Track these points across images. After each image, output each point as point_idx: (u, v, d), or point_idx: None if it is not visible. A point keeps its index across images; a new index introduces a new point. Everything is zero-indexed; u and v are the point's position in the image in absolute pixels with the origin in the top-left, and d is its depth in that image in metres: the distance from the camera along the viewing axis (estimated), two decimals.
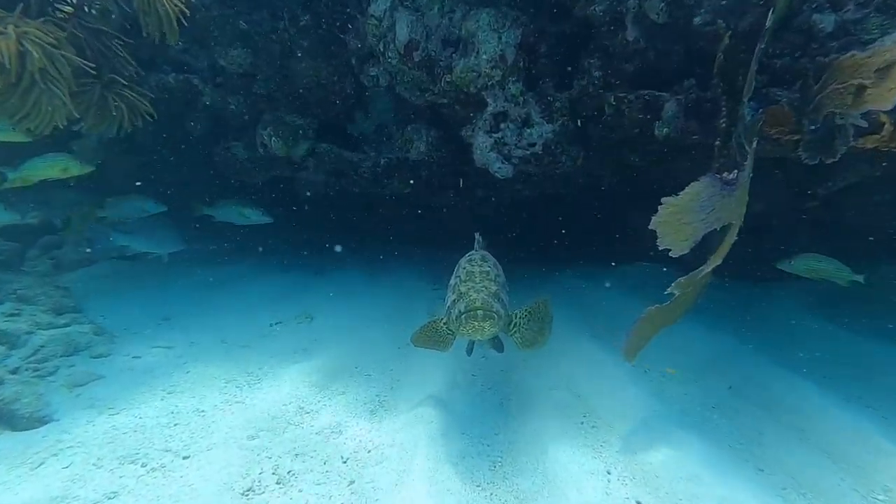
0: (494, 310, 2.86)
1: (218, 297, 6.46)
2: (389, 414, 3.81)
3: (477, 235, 4.13)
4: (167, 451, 3.39)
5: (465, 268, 3.21)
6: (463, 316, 2.87)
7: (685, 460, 2.99)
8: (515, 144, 4.60)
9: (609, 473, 3.04)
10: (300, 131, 5.84)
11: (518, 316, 3.35)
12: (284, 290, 7.09)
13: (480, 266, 3.19)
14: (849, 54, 3.03)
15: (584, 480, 2.99)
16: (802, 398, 3.66)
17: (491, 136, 4.66)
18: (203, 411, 3.87)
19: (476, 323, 2.85)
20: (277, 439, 3.56)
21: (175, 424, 3.68)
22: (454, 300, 3.04)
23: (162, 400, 4.02)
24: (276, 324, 5.74)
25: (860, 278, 4.54)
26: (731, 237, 2.99)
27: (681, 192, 3.08)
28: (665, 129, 3.95)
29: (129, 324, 5.41)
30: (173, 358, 4.79)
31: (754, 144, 3.03)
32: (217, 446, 3.44)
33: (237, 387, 4.25)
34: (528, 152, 4.61)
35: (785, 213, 5.53)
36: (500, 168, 4.68)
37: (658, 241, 3.08)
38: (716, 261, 3.07)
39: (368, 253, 9.21)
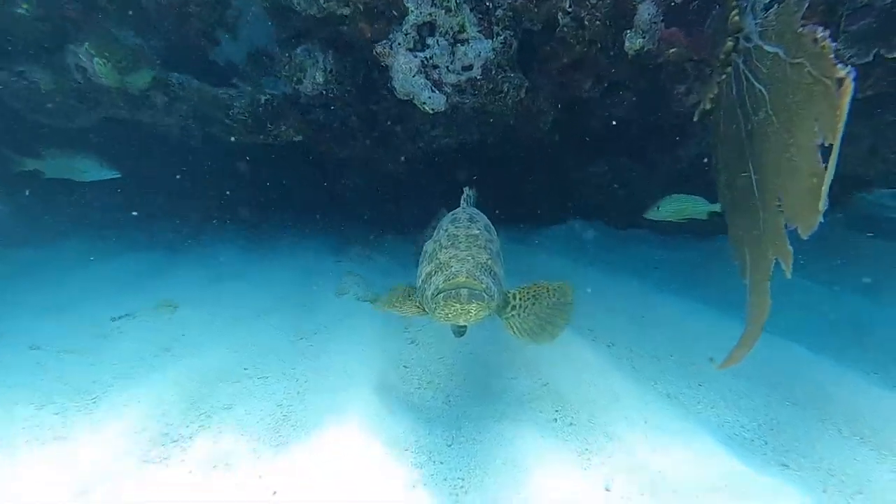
0: (484, 286, 2.19)
1: (30, 288, 4.93)
2: (299, 432, 2.87)
3: (466, 189, 3.35)
4: None
5: (447, 230, 2.54)
6: (441, 295, 2.19)
7: (705, 462, 2.46)
8: (447, 67, 3.77)
9: (608, 490, 2.41)
10: (136, 51, 4.44)
11: (518, 297, 2.66)
12: (133, 275, 5.67)
13: (467, 228, 2.54)
14: None
15: None
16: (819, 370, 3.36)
17: (416, 56, 3.76)
18: None
19: (458, 305, 2.18)
20: (123, 496, 2.47)
21: None
22: (429, 272, 2.34)
23: None
24: (120, 318, 4.42)
25: (716, 207, 4.58)
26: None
27: None
28: (639, 40, 3.37)
29: None
30: None
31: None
32: None
33: (55, 414, 3.01)
34: (464, 77, 3.80)
35: None
36: (429, 98, 3.82)
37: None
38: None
39: (250, 223, 7.90)
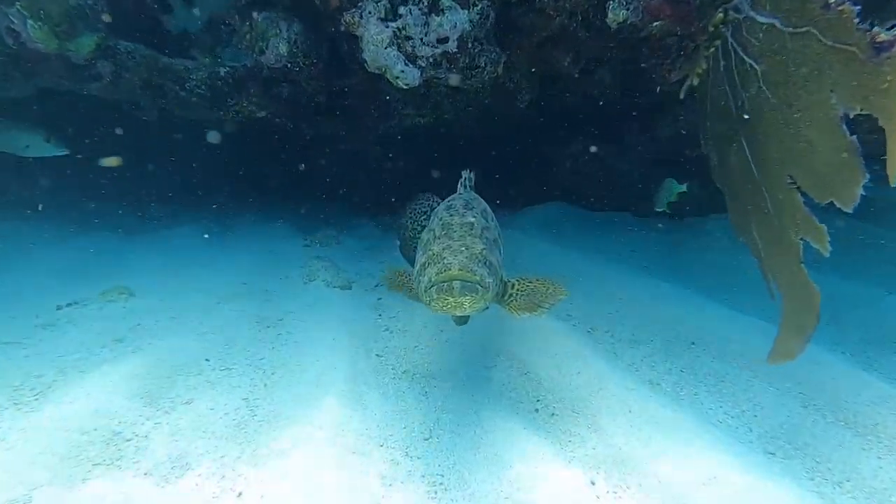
0: (478, 279, 2.16)
1: None
2: (267, 428, 2.71)
3: (465, 173, 3.22)
4: None
5: (441, 218, 2.51)
6: (433, 288, 2.18)
7: (692, 454, 2.42)
8: (421, 39, 3.58)
9: (594, 485, 2.34)
10: (77, 14, 4.09)
11: (516, 287, 2.64)
12: (81, 261, 5.35)
13: (462, 216, 2.49)
14: None
15: (564, 500, 2.27)
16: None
17: (387, 26, 3.56)
18: None
19: (451, 299, 2.16)
20: (69, 498, 2.28)
21: None
22: (424, 264, 2.31)
23: None
24: (67, 306, 4.14)
25: (683, 187, 4.90)
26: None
27: None
28: (622, 12, 3.25)
29: None
30: None
31: None
32: None
33: None
34: (440, 50, 3.62)
35: None
36: (402, 73, 3.62)
37: None
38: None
39: (211, 204, 7.58)
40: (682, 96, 3.25)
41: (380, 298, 4.70)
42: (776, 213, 2.69)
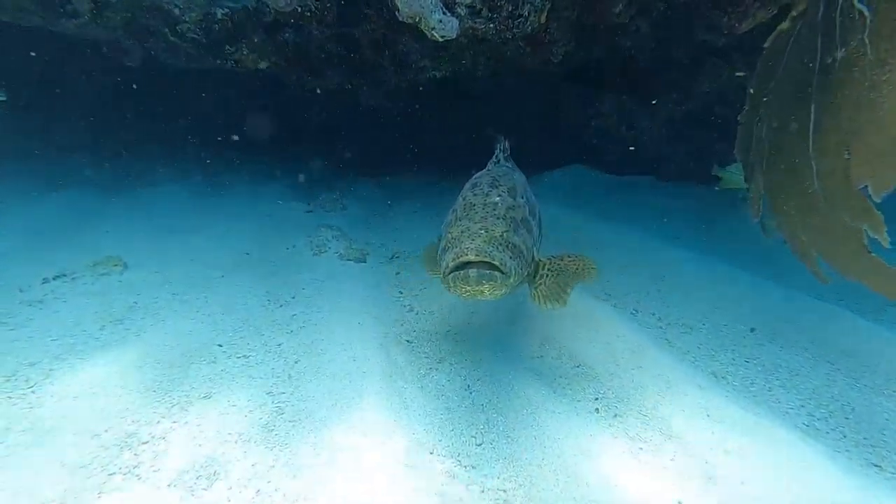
0: (498, 264, 2.11)
1: None
2: (301, 431, 2.50)
3: (502, 141, 3.09)
4: None
5: (465, 197, 2.48)
6: (450, 276, 2.16)
7: (786, 471, 2.24)
8: None
9: None
10: None
11: (546, 267, 2.61)
12: (59, 222, 5.00)
13: (486, 195, 2.43)
14: None
15: None
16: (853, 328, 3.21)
17: None
18: None
19: (468, 287, 2.14)
20: None
21: None
22: (444, 248, 2.27)
23: None
24: (54, 279, 3.83)
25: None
26: None
27: None
28: None
29: None
30: None
31: None
32: None
33: None
34: None
35: None
36: (440, 23, 3.24)
37: None
38: None
39: (202, 161, 7.15)
40: (767, 45, 2.94)
41: (398, 273, 4.47)
42: (825, 195, 2.52)
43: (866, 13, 2.29)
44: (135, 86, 5.81)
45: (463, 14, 3.29)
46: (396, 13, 3.26)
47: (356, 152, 7.60)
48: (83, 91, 6.31)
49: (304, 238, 4.99)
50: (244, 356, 3.12)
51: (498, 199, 2.43)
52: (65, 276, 3.85)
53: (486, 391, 2.83)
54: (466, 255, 2.10)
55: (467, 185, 2.66)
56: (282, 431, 2.50)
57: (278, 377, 2.92)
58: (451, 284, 2.16)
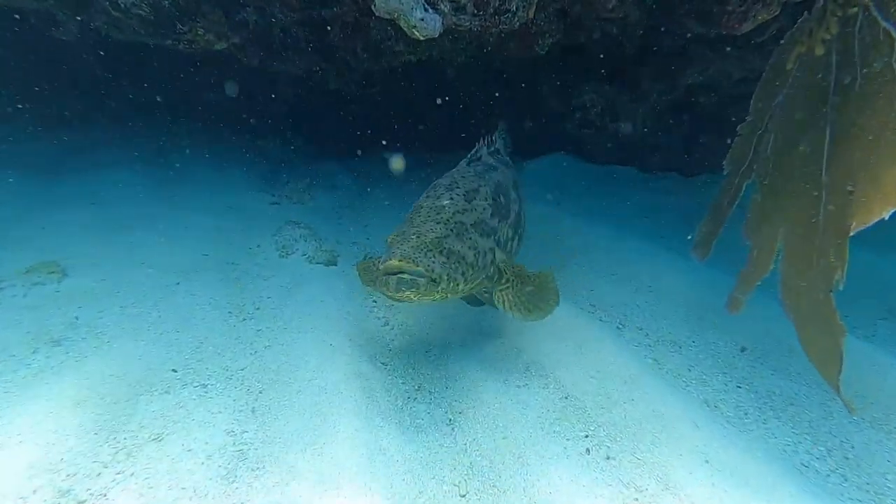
0: (423, 269, 2.18)
1: None
2: (264, 484, 2.28)
3: (500, 125, 3.37)
4: None
5: (419, 200, 2.61)
6: (376, 281, 2.33)
7: None
8: None
9: None
10: None
11: (508, 276, 2.68)
12: None
13: (438, 198, 2.53)
14: None
15: None
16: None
17: None
18: None
19: (391, 293, 2.25)
20: None
21: None
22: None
23: None
24: None
25: None
26: None
27: None
28: None
29: None
30: None
31: None
32: None
33: None
34: None
35: None
36: (422, 21, 2.93)
37: None
38: None
39: (151, 142, 6.69)
40: (789, 66, 2.76)
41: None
42: (823, 224, 2.42)
43: (894, 34, 2.12)
44: (70, 58, 5.31)
45: (446, 10, 3.01)
46: (372, 7, 2.95)
47: (326, 134, 7.24)
48: (11, 63, 5.77)
49: (269, 236, 4.69)
50: (202, 384, 2.86)
51: (447, 202, 2.50)
52: None
53: (468, 427, 2.66)
54: (391, 259, 2.17)
55: (429, 187, 2.73)
56: (243, 483, 2.28)
57: (241, 411, 2.69)
58: (381, 289, 2.25)
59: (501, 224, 2.79)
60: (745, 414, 2.79)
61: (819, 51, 2.43)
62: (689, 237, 4.66)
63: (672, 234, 5.10)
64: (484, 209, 2.60)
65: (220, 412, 2.68)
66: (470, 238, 2.40)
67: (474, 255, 2.39)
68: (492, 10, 3.11)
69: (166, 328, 3.29)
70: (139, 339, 3.16)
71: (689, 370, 3.17)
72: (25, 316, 3.24)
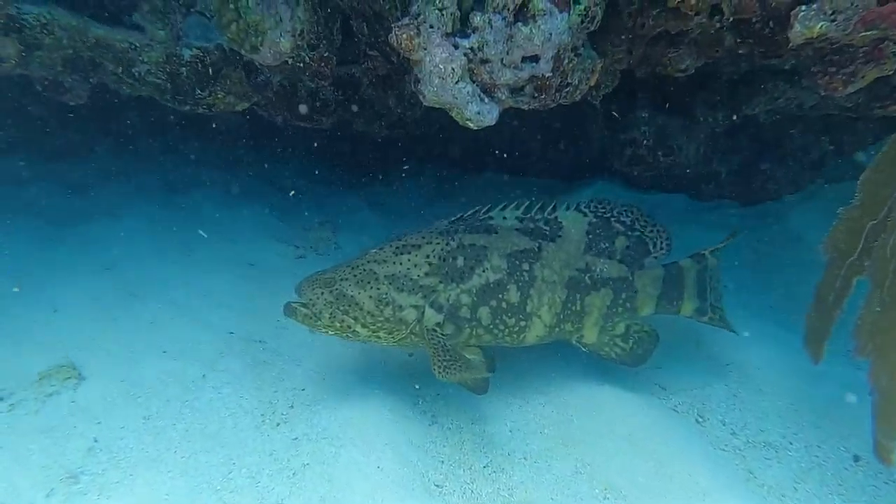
0: (306, 302, 2.75)
1: None
2: None
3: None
4: None
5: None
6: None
7: None
8: (502, 60, 2.55)
9: None
10: None
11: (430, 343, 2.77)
12: None
13: (378, 247, 2.87)
14: None
15: None
16: None
17: (457, 48, 2.50)
18: None
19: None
20: None
21: None
22: None
23: None
24: None
25: None
26: None
27: None
28: (822, 24, 2.28)
29: None
30: None
31: None
32: None
33: None
34: (525, 74, 2.62)
35: None
36: (478, 114, 2.61)
37: None
38: None
39: (155, 180, 6.49)
40: (887, 151, 2.43)
41: (410, 354, 3.98)
42: None
43: None
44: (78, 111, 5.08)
45: (503, 97, 2.68)
46: (421, 98, 2.63)
47: (346, 168, 6.98)
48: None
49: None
50: None
51: (374, 251, 2.81)
52: (1, 400, 3.24)
53: None
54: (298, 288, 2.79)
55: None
56: None
57: None
58: None
59: (446, 286, 2.77)
60: None
61: None
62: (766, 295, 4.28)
63: (743, 287, 4.72)
64: (415, 266, 2.71)
65: None
66: (375, 288, 2.64)
67: (375, 305, 2.64)
68: (553, 89, 2.79)
69: (193, 449, 3.05)
70: (163, 467, 2.91)
71: (794, 487, 2.86)
72: (39, 443, 3.00)
